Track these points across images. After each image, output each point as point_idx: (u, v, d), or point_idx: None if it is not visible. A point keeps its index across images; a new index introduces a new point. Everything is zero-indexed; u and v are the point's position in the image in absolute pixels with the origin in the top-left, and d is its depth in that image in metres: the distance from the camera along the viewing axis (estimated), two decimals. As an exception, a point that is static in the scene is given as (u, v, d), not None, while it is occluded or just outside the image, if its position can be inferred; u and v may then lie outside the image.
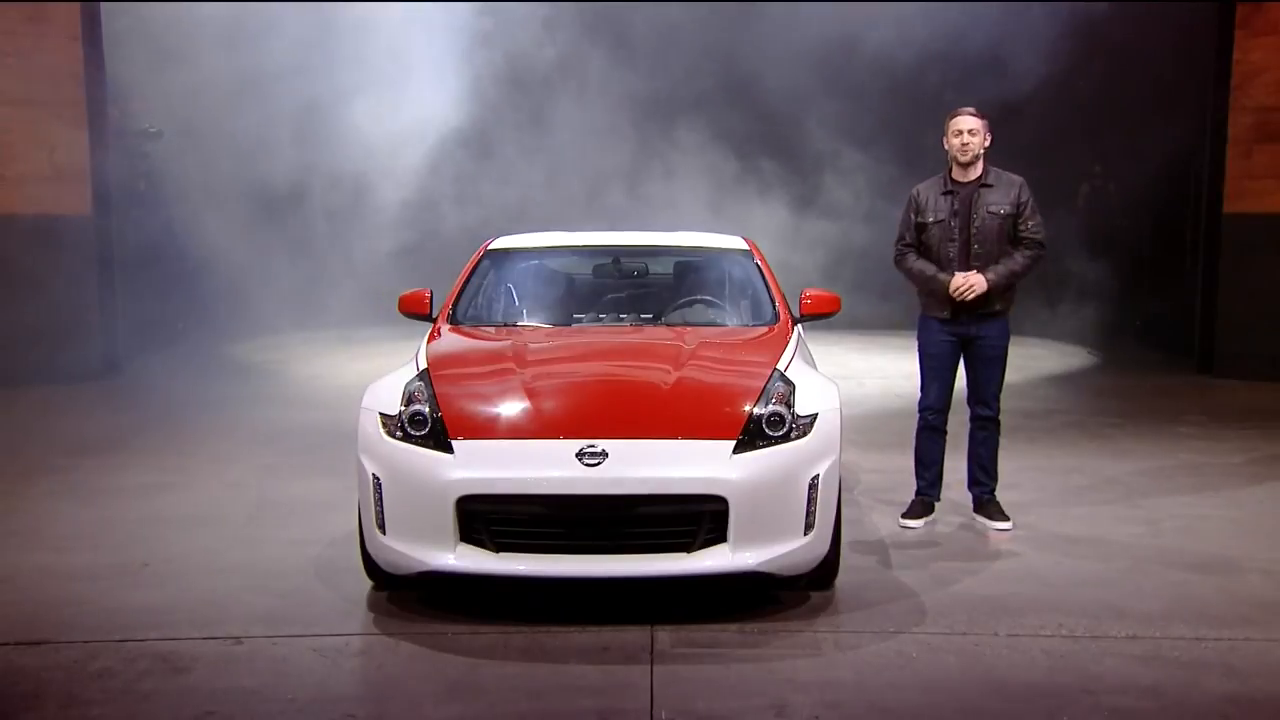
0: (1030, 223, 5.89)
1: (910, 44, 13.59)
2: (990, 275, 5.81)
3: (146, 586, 5.12)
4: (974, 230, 5.87)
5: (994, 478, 6.15)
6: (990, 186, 5.92)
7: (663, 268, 6.62)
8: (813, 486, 4.62)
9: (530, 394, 4.80)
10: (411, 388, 4.86)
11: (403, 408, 4.76)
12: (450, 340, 5.66)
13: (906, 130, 14.33)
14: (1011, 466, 6.79)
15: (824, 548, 4.73)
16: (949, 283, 5.84)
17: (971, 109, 5.97)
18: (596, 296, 6.42)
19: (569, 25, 14.41)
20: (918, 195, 6.03)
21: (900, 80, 14.16)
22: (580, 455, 4.52)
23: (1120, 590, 5.07)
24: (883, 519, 6.17)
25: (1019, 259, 5.86)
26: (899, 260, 6.07)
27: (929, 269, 5.94)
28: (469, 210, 14.62)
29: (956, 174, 5.96)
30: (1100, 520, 6.20)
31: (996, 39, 12.87)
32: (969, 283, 5.80)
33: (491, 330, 5.86)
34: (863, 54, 13.86)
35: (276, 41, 12.28)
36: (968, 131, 5.87)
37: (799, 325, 5.95)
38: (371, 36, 13.22)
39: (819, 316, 6.00)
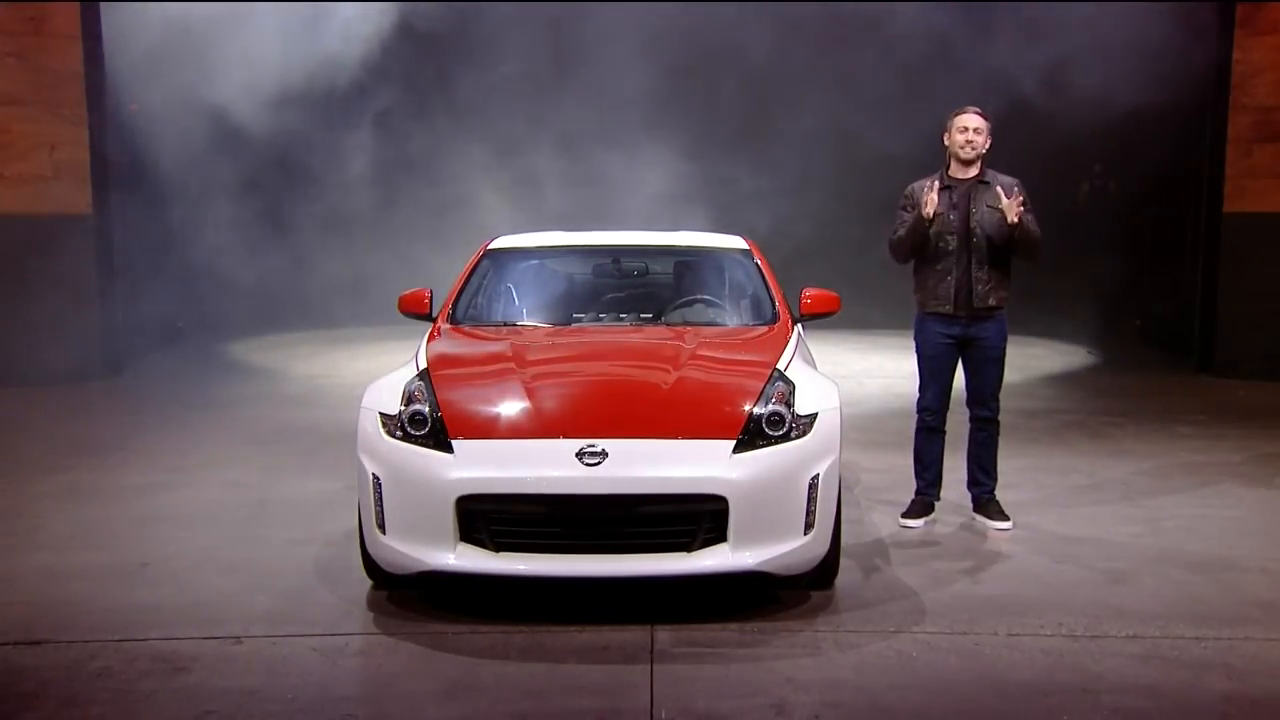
0: (1028, 216, 5.90)
1: (910, 45, 13.59)
2: (1022, 218, 5.78)
3: (146, 586, 5.12)
4: (974, 224, 5.87)
5: (994, 477, 6.15)
6: (987, 184, 5.93)
7: (662, 267, 6.61)
8: (813, 486, 4.62)
9: (530, 394, 4.80)
10: (411, 387, 4.87)
11: (403, 407, 4.76)
12: (450, 340, 5.66)
13: (906, 129, 14.33)
14: (1012, 466, 6.79)
15: (824, 547, 4.73)
16: (925, 209, 5.76)
17: (978, 109, 5.96)
18: (596, 296, 6.42)
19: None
20: (913, 192, 6.02)
21: (899, 80, 14.15)
22: (580, 455, 4.52)
23: (1120, 590, 5.08)
24: (883, 519, 6.17)
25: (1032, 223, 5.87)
26: (890, 241, 6.02)
27: (910, 219, 5.88)
28: (471, 207, 14.63)
29: (955, 171, 5.97)
30: (1100, 520, 6.20)
31: (997, 39, 12.86)
32: (1012, 204, 5.74)
33: (491, 330, 5.86)
34: (861, 54, 13.86)
35: (266, 32, 12.21)
36: (973, 130, 5.88)
37: (799, 325, 5.95)
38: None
39: (819, 316, 5.99)
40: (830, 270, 11.03)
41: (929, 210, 5.77)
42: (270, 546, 5.69)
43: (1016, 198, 5.79)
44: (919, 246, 5.92)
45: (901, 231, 5.94)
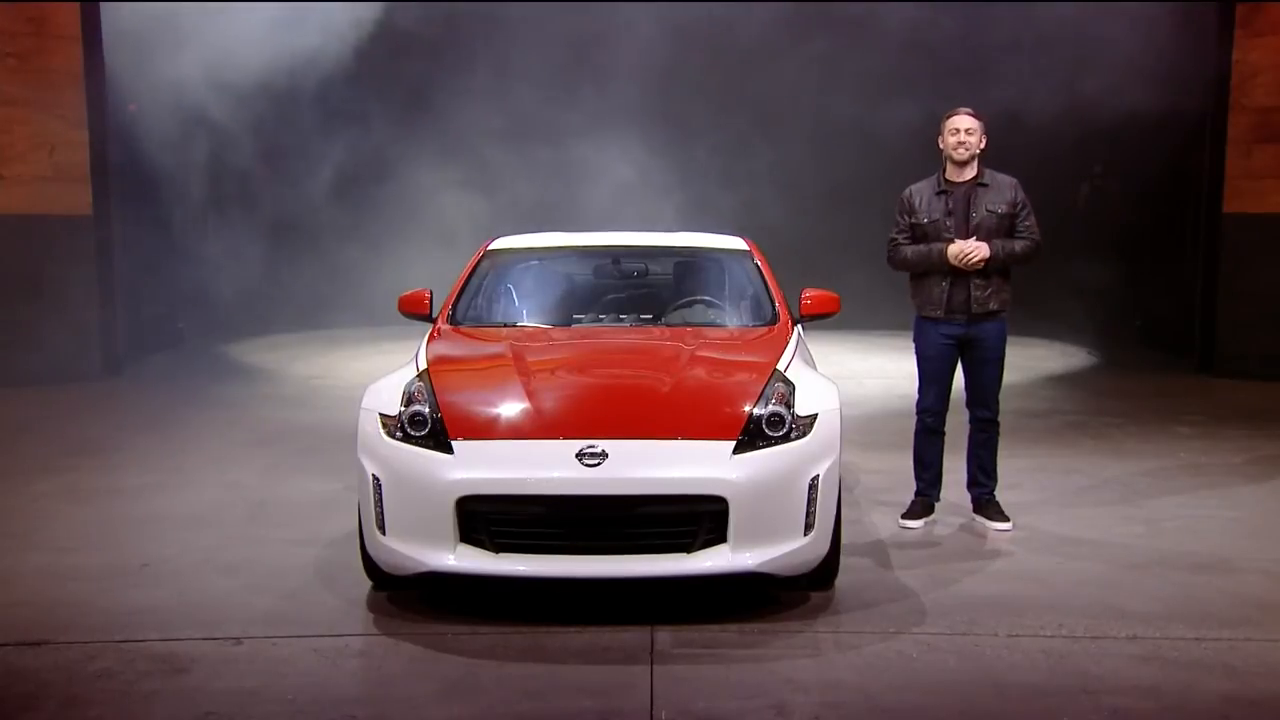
0: (1027, 222, 5.90)
1: (912, 44, 13.58)
2: (993, 247, 5.79)
3: (146, 587, 5.12)
4: (972, 227, 5.86)
5: (994, 478, 6.14)
6: (986, 186, 5.92)
7: (662, 268, 6.61)
8: (813, 487, 4.62)
9: (530, 394, 4.80)
10: (411, 388, 4.87)
11: (403, 408, 4.76)
12: (450, 340, 5.66)
13: (906, 130, 14.33)
14: (1012, 467, 6.78)
15: (824, 548, 4.73)
16: (946, 250, 5.79)
17: (969, 109, 5.96)
18: (596, 297, 6.42)
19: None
20: (909, 196, 6.01)
21: (900, 81, 14.15)
22: (580, 456, 4.52)
23: (1120, 590, 5.08)
24: (883, 519, 6.17)
25: (1018, 243, 5.87)
26: (892, 256, 6.04)
27: (923, 247, 5.90)
28: (471, 206, 14.63)
29: (951, 174, 5.96)
30: (1100, 520, 6.20)
31: (997, 39, 12.86)
32: (973, 247, 5.76)
33: (491, 330, 5.86)
34: (860, 54, 13.85)
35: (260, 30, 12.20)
36: (965, 130, 5.87)
37: (799, 325, 5.95)
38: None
39: (819, 317, 5.99)
40: (819, 266, 11.09)
41: (956, 259, 5.77)
42: (270, 547, 5.69)
43: (977, 249, 5.76)
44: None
45: (909, 254, 5.93)
